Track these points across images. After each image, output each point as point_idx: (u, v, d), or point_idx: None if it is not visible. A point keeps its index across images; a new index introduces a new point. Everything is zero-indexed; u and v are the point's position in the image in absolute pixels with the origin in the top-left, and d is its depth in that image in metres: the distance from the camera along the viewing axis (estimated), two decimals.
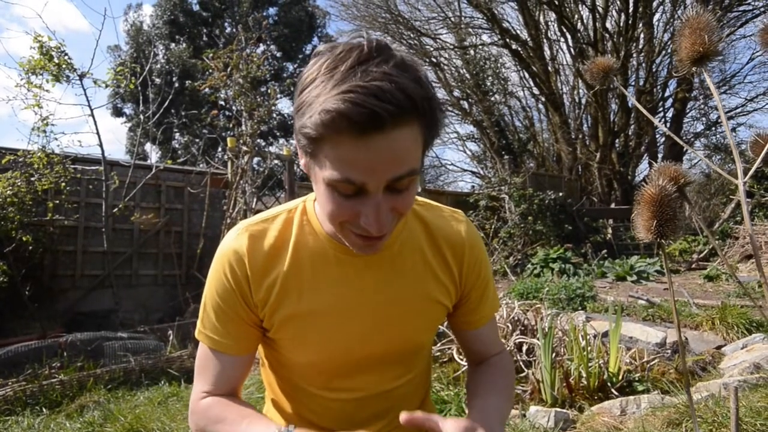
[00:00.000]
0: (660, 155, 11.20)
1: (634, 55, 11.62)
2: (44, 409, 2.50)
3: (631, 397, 1.73)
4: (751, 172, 0.60)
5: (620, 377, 2.44)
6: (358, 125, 0.56)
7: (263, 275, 0.78)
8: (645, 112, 0.74)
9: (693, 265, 6.03)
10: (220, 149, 12.87)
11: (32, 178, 4.14)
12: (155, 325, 4.07)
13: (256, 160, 6.47)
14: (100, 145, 4.76)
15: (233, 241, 0.78)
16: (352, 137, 0.57)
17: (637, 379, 2.44)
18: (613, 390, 2.32)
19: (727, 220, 6.39)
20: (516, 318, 3.19)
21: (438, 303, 0.87)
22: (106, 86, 4.68)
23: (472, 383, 0.88)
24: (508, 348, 2.97)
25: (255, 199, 5.82)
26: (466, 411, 0.83)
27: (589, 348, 2.55)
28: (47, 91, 4.25)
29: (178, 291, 5.35)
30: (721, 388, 1.58)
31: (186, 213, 5.66)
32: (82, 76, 4.42)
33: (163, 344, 3.52)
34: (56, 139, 4.49)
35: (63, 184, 4.33)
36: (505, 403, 0.83)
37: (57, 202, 4.37)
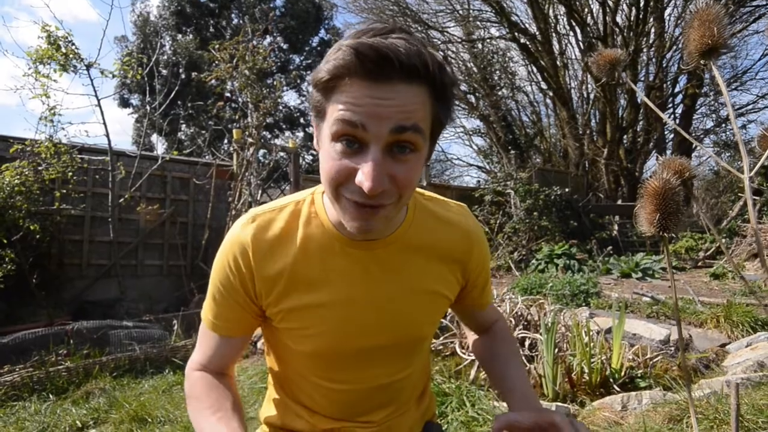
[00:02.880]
0: (668, 152, 11.09)
1: (645, 49, 11.48)
2: (51, 395, 2.53)
3: (633, 393, 1.72)
4: (757, 167, 0.59)
5: (622, 373, 2.44)
6: (369, 68, 0.58)
7: (267, 266, 0.78)
8: (653, 107, 0.74)
9: (699, 263, 5.98)
10: (225, 141, 12.88)
11: (40, 168, 4.17)
12: (160, 315, 4.11)
13: (261, 152, 6.49)
14: (107, 135, 4.79)
15: (240, 231, 0.79)
16: (362, 79, 0.59)
17: (639, 375, 2.44)
18: (615, 386, 2.32)
19: (735, 218, 6.33)
20: (519, 313, 3.19)
21: (443, 297, 0.87)
22: (113, 76, 4.69)
23: (488, 353, 0.97)
24: None
25: (260, 191, 5.83)
26: (494, 381, 0.93)
27: (591, 344, 2.54)
28: (55, 80, 4.27)
29: (183, 281, 5.38)
30: (723, 386, 1.57)
31: (191, 204, 5.68)
32: (89, 66, 4.43)
33: (167, 334, 3.56)
34: (63, 128, 4.51)
35: (70, 173, 4.36)
36: (523, 369, 0.92)
37: (64, 191, 4.40)
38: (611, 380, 2.40)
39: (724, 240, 6.02)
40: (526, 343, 2.94)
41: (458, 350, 3.16)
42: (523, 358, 2.80)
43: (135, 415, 2.11)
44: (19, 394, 2.55)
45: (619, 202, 10.05)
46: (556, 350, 2.61)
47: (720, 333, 2.92)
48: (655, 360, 2.60)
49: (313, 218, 0.80)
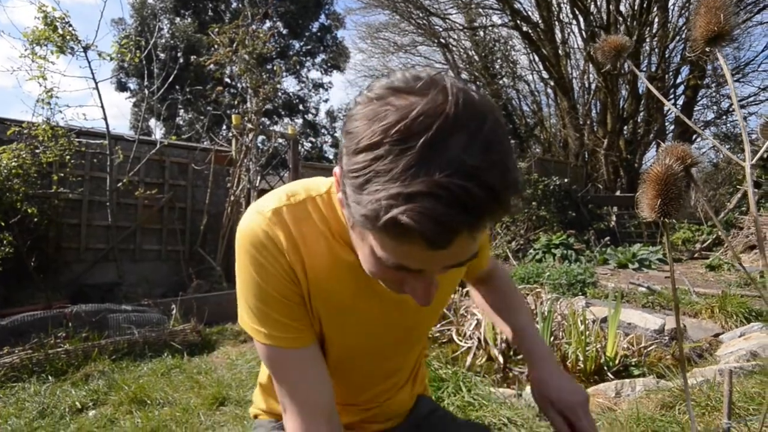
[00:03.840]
0: (669, 143, 11.08)
1: (648, 39, 11.38)
2: (50, 377, 2.55)
3: (627, 380, 1.75)
4: (759, 154, 0.59)
5: (617, 362, 2.47)
6: (431, 242, 0.48)
7: (300, 255, 0.73)
8: (656, 92, 0.73)
9: (695, 255, 6.02)
10: (224, 127, 12.82)
11: (37, 150, 4.14)
12: (158, 300, 4.12)
13: (260, 138, 6.45)
14: (105, 118, 4.75)
15: (260, 220, 0.72)
16: (422, 248, 0.49)
17: (633, 363, 2.47)
18: (609, 373, 2.35)
19: (733, 210, 6.36)
20: None
21: (457, 282, 0.90)
22: (111, 59, 4.63)
23: (494, 301, 1.01)
24: None
25: (259, 178, 5.82)
26: (503, 329, 0.97)
27: (587, 332, 2.57)
28: (52, 62, 4.22)
29: (182, 267, 5.39)
30: (716, 374, 1.60)
31: (190, 189, 5.67)
32: (86, 48, 4.38)
33: (166, 318, 3.57)
34: (61, 111, 4.47)
35: (68, 157, 4.34)
36: (530, 316, 0.98)
37: (62, 175, 4.38)
38: (605, 368, 2.43)
39: (720, 232, 6.05)
40: None
41: (455, 337, 3.19)
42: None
43: (134, 397, 2.13)
44: (19, 375, 2.56)
45: (618, 192, 10.06)
46: (552, 338, 2.64)
47: (714, 323, 2.95)
48: (649, 349, 2.63)
49: (333, 224, 0.74)
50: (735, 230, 5.72)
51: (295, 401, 0.74)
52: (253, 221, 0.73)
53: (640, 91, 11.66)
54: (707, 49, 0.72)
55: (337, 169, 0.58)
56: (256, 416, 0.99)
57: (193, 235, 5.60)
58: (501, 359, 2.73)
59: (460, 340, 3.08)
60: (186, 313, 3.69)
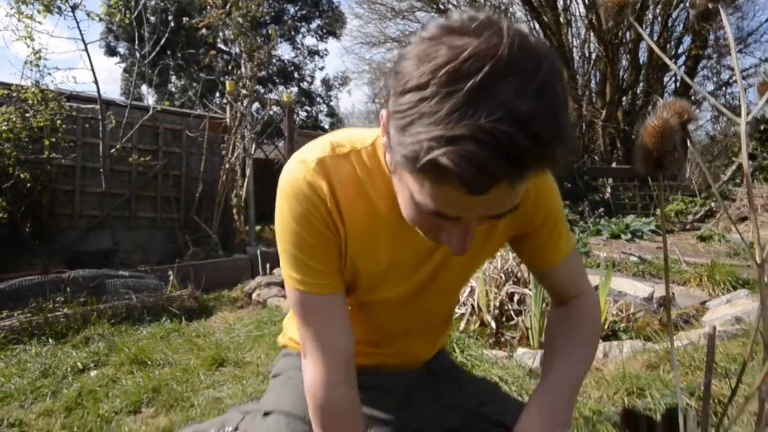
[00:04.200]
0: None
1: (651, 7, 11.14)
2: (50, 340, 2.59)
3: (614, 342, 1.80)
4: (755, 112, 0.59)
5: (606, 327, 2.54)
6: (470, 186, 0.47)
7: (338, 206, 0.74)
8: (658, 50, 0.73)
9: (687, 226, 6.09)
10: (217, 94, 12.57)
11: (27, 114, 4.07)
12: (155, 266, 4.14)
13: (255, 107, 6.35)
14: (95, 82, 4.64)
15: (303, 170, 0.72)
16: (460, 192, 0.48)
17: (621, 329, 2.53)
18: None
19: (727, 182, 6.40)
20: (509, 269, 3.27)
21: (503, 239, 0.89)
22: (100, 19, 4.49)
23: (550, 334, 0.86)
24: (499, 297, 3.06)
25: (254, 146, 5.76)
26: (543, 370, 0.81)
27: None
28: (39, 22, 4.08)
29: (177, 235, 5.40)
30: (701, 337, 1.65)
31: (184, 157, 5.61)
32: (74, 8, 4.23)
33: (163, 284, 3.60)
34: (50, 74, 4.35)
35: (59, 121, 4.26)
36: (578, 366, 0.78)
37: (53, 140, 4.31)
38: None
39: (713, 204, 6.11)
40: (515, 298, 3.03)
41: None
42: (512, 312, 2.90)
43: (134, 358, 2.17)
44: (19, 338, 2.60)
45: (614, 164, 10.07)
46: (544, 304, 2.69)
47: (702, 291, 3.02)
48: (637, 315, 2.70)
49: (376, 179, 0.74)
50: (728, 202, 5.78)
51: (318, 345, 0.77)
52: (297, 170, 0.73)
53: (641, 61, 11.50)
54: (710, 7, 0.71)
55: (383, 112, 0.57)
56: (284, 346, 1.04)
57: (188, 202, 5.58)
58: (493, 324, 2.80)
59: (457, 308, 3.14)
60: (183, 280, 3.72)
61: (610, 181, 8.86)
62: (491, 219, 0.56)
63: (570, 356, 0.77)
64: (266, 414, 0.92)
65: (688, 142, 0.58)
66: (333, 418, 0.77)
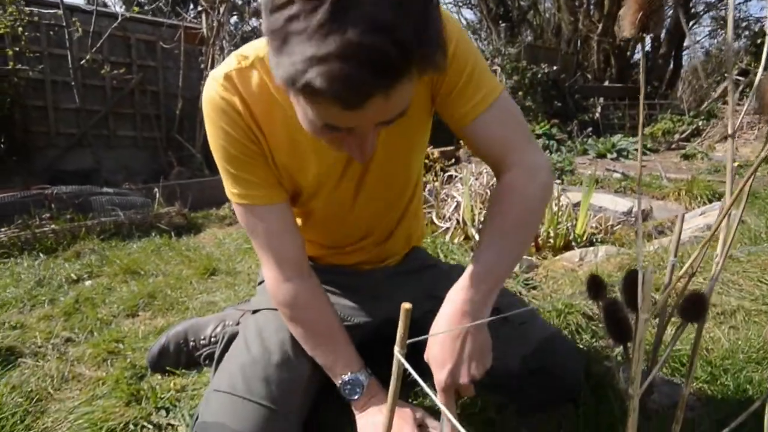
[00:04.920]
0: (665, 29, 10.60)
1: None
2: (41, 254, 2.62)
3: (590, 248, 1.89)
4: None
5: (584, 238, 2.64)
6: (346, 103, 0.49)
7: (254, 117, 0.77)
8: None
9: (673, 145, 6.13)
10: (191, 6, 11.63)
11: None
12: (141, 185, 4.10)
13: (233, 20, 5.92)
14: None
15: (216, 87, 0.75)
16: (339, 109, 0.51)
17: (599, 240, 2.64)
18: (576, 248, 2.52)
19: (716, 99, 6.34)
20: (495, 184, 3.31)
21: (422, 131, 0.89)
22: None
23: (484, 218, 0.82)
24: (482, 212, 3.13)
25: None
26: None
27: (560, 213, 2.70)
28: None
29: (160, 154, 5.29)
30: (671, 242, 1.73)
31: (161, 71, 5.33)
32: None
33: (150, 201, 3.59)
34: None
35: (20, 28, 3.95)
36: (501, 256, 0.73)
37: (17, 49, 4.03)
38: (573, 244, 2.61)
39: (701, 123, 6.10)
40: None
41: (435, 220, 3.32)
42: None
43: (128, 269, 2.22)
44: (9, 252, 2.62)
45: (607, 83, 9.85)
46: None
47: (679, 205, 3.12)
48: (616, 228, 2.80)
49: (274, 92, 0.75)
50: (715, 120, 5.77)
51: (267, 251, 0.84)
52: (210, 88, 0.76)
53: None
54: None
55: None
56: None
57: (168, 121, 5.40)
58: (477, 237, 2.89)
59: (440, 222, 3.21)
60: (168, 199, 3.70)
61: (601, 100, 8.72)
62: (384, 125, 0.58)
63: (493, 246, 0.74)
64: (255, 312, 0.99)
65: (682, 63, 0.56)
66: (294, 311, 0.85)
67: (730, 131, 0.55)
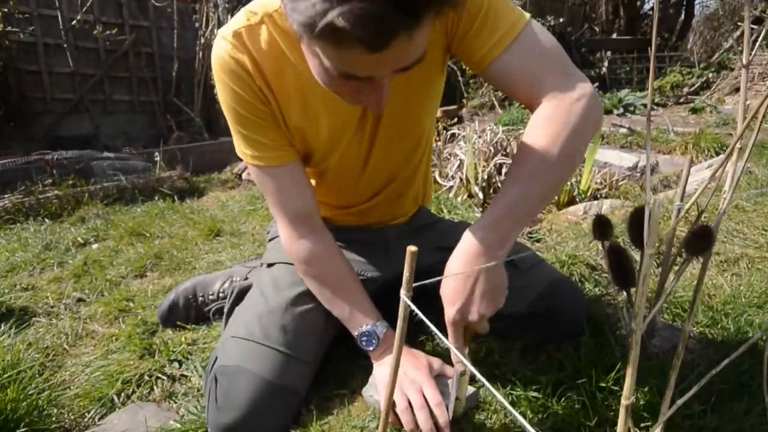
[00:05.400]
0: None
1: None
2: (46, 220, 2.64)
3: (595, 201, 1.88)
4: None
5: (588, 194, 2.62)
6: (369, 45, 0.48)
7: (263, 76, 0.76)
8: None
9: (681, 100, 5.98)
10: None
11: None
12: (141, 150, 4.07)
13: None
14: None
15: (225, 46, 0.74)
16: (362, 52, 0.49)
17: (604, 195, 2.62)
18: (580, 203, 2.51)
19: (728, 50, 6.14)
20: (499, 142, 3.26)
21: (434, 87, 0.86)
22: None
23: (519, 151, 0.73)
24: (487, 170, 3.10)
25: (229, 17, 5.28)
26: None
27: None
28: None
29: (158, 119, 5.22)
30: (676, 196, 1.71)
31: (154, 32, 5.17)
32: None
33: (151, 165, 3.58)
34: None
35: None
36: (528, 196, 0.68)
37: (6, 10, 3.91)
38: (577, 200, 2.59)
39: (710, 75, 5.93)
40: (503, 170, 3.07)
41: (438, 179, 3.30)
42: (499, 184, 2.95)
43: (133, 232, 2.24)
44: (14, 218, 2.64)
45: (615, 35, 9.51)
46: None
47: (686, 158, 3.07)
48: (621, 183, 2.77)
49: (292, 37, 0.73)
50: (726, 72, 5.61)
51: (281, 210, 0.85)
52: (220, 47, 0.74)
53: None
54: None
55: None
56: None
57: (165, 84, 5.29)
58: (481, 195, 2.87)
59: (443, 181, 3.20)
60: (169, 164, 3.69)
61: (609, 54, 8.45)
62: (401, 72, 0.57)
63: (516, 185, 0.69)
64: (270, 265, 1.00)
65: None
66: (310, 267, 0.86)
67: (744, 61, 0.53)
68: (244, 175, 3.78)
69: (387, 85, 0.59)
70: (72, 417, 0.97)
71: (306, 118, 0.80)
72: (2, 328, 1.33)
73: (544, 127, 0.68)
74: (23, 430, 0.83)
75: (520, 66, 0.71)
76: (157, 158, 3.66)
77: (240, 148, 0.82)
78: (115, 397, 1.01)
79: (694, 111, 4.82)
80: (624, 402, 0.50)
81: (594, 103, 0.70)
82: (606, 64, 8.31)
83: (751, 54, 0.53)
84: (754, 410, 0.75)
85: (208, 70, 5.09)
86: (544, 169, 0.68)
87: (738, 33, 6.01)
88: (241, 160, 0.90)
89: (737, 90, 5.06)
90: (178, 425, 0.85)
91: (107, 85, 4.94)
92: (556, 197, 2.59)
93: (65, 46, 4.39)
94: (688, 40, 7.27)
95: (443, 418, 0.73)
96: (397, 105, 0.80)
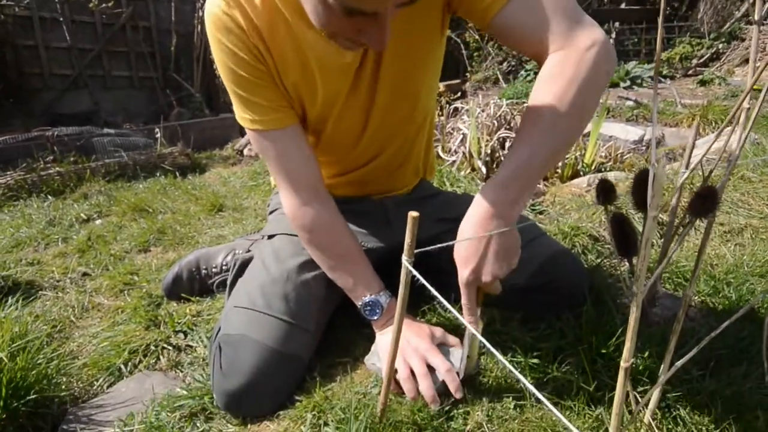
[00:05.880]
0: None
1: None
2: (49, 196, 2.64)
3: (599, 174, 1.86)
4: None
5: (593, 167, 2.60)
6: None
7: (258, 33, 0.74)
8: None
9: (690, 71, 5.86)
10: None
11: None
12: (142, 126, 4.05)
13: None
14: None
15: (218, 2, 0.72)
16: None
17: (608, 168, 2.60)
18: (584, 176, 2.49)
19: (740, 19, 5.96)
20: (502, 116, 3.22)
21: (432, 47, 0.84)
22: None
23: (528, 109, 0.68)
24: (490, 144, 3.07)
25: None
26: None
27: None
28: None
29: (158, 95, 5.17)
30: (681, 165, 1.69)
31: (151, 4, 5.07)
32: None
33: (152, 141, 3.56)
34: None
35: None
36: (538, 151, 0.65)
37: None
38: (582, 173, 2.57)
39: (720, 46, 5.79)
40: (507, 144, 3.04)
41: (441, 153, 3.28)
42: (503, 158, 2.93)
43: (136, 207, 2.24)
44: (17, 195, 2.65)
45: (623, 5, 9.25)
46: None
47: (692, 129, 3.03)
48: (626, 156, 2.74)
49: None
50: (736, 42, 5.47)
51: (284, 176, 0.83)
52: (213, 4, 0.72)
53: None
54: None
55: None
56: (276, 185, 1.14)
57: (164, 59, 5.22)
58: (484, 170, 2.85)
59: (445, 156, 3.17)
60: (170, 140, 3.67)
61: (617, 25, 8.24)
62: (403, 5, 0.55)
63: (526, 140, 0.66)
64: (270, 237, 1.00)
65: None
66: (313, 235, 0.85)
67: (756, 17, 0.51)
68: (245, 151, 3.76)
69: (389, 21, 0.58)
70: (81, 385, 0.99)
71: (303, 76, 0.78)
72: (9, 301, 1.34)
73: (552, 80, 0.65)
74: (34, 397, 0.85)
75: (526, 16, 0.66)
76: (158, 134, 3.64)
77: (239, 113, 0.80)
78: (123, 367, 1.03)
79: (702, 83, 4.72)
80: (623, 364, 0.50)
81: (605, 51, 0.66)
82: (614, 35, 8.11)
83: (763, 10, 0.51)
84: (753, 374, 0.75)
85: (207, 45, 5.01)
86: (554, 126, 0.65)
87: (750, 0, 5.84)
88: (242, 135, 0.89)
89: (747, 61, 4.94)
90: (185, 392, 0.87)
91: (105, 60, 4.88)
92: (560, 171, 2.58)
93: (61, 19, 4.32)
94: (699, 9, 7.06)
95: (455, 383, 0.74)
96: (395, 64, 0.79)
